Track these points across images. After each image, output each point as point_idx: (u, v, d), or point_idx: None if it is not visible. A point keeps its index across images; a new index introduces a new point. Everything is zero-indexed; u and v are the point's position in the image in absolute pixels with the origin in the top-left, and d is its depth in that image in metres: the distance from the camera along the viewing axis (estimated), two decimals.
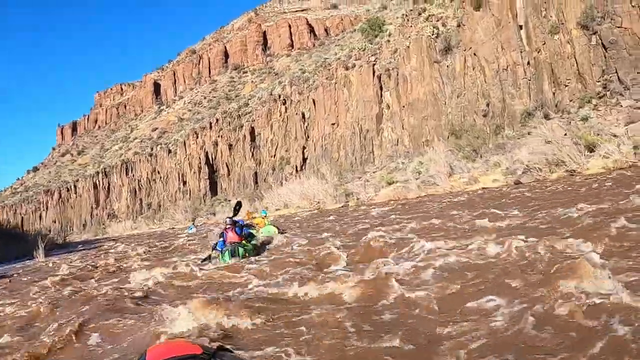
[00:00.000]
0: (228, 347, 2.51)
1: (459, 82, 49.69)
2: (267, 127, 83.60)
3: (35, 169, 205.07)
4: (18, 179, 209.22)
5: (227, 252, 14.16)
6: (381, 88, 60.07)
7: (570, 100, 40.28)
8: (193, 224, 51.76)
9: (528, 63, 44.22)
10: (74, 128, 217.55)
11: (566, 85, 41.20)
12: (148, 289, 11.09)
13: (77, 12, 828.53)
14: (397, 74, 57.01)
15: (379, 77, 60.33)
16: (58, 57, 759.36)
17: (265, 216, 22.60)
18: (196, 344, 2.23)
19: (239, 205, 16.90)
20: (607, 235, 8.62)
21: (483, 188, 28.02)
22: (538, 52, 43.37)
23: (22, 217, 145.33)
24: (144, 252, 22.78)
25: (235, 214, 16.07)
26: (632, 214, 10.15)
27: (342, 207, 39.07)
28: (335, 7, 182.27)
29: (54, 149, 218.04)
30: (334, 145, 64.35)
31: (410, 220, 16.79)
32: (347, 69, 67.18)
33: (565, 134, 26.59)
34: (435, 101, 51.48)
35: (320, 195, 43.53)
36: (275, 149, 79.35)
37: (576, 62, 40.71)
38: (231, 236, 14.51)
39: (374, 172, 51.41)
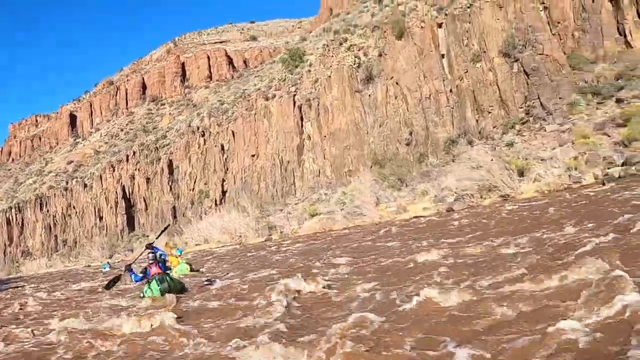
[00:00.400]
0: None
1: (380, 111, 49.07)
2: (185, 159, 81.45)
3: None
4: None
5: (154, 280, 12.78)
6: (302, 118, 59.02)
7: (494, 127, 40.10)
8: (108, 262, 49.17)
9: (450, 91, 44.00)
10: None
11: (489, 112, 41.08)
12: (54, 348, 9.04)
13: None
14: (318, 104, 56.11)
15: (300, 108, 59.32)
16: None
17: (179, 255, 20.71)
18: None
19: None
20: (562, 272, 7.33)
21: (415, 217, 26.71)
22: (460, 80, 43.20)
23: None
24: (55, 297, 20.21)
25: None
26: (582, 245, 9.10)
27: (265, 241, 37.37)
28: (254, 39, 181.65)
29: None
30: (254, 177, 62.76)
31: (341, 255, 15.35)
32: (267, 99, 65.89)
33: (492, 160, 25.87)
34: (357, 131, 50.67)
35: (241, 229, 41.79)
36: (194, 182, 77.18)
37: (498, 89, 40.76)
38: (155, 270, 13.13)
39: (296, 204, 50.06)
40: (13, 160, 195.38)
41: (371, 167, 46.23)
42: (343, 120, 51.92)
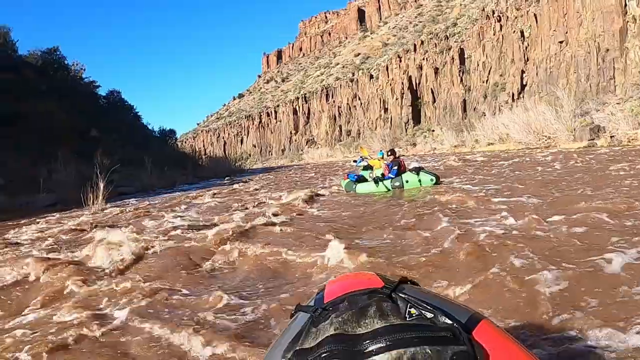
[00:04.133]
0: (412, 279, 1.83)
1: None
2: (478, 48, 73.99)
3: (241, 96, 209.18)
4: (224, 104, 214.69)
5: (425, 173, 13.50)
6: None
7: None
8: (361, 158, 46.27)
9: None
10: (279, 56, 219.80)
11: None
12: None
13: None
14: None
15: None
16: None
17: (381, 158, 16.56)
18: (376, 275, 1.78)
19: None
20: None
21: None
22: None
23: (225, 141, 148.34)
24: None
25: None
26: None
27: (586, 147, 28.74)
28: None
29: (259, 76, 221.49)
30: (562, 68, 53.94)
31: None
32: None
33: None
34: None
35: (550, 128, 33.93)
36: (488, 74, 69.78)
37: None
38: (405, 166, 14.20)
39: (617, 104, 41.14)
40: (304, 55, 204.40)
41: None
42: None
